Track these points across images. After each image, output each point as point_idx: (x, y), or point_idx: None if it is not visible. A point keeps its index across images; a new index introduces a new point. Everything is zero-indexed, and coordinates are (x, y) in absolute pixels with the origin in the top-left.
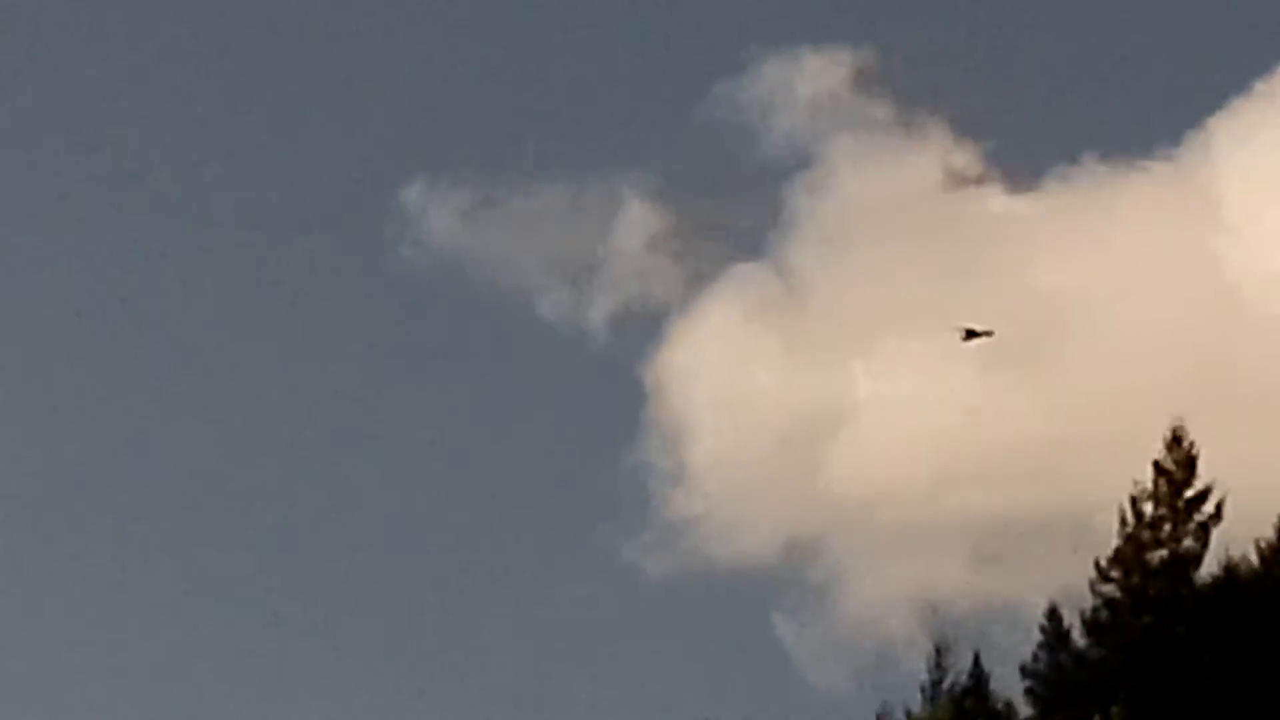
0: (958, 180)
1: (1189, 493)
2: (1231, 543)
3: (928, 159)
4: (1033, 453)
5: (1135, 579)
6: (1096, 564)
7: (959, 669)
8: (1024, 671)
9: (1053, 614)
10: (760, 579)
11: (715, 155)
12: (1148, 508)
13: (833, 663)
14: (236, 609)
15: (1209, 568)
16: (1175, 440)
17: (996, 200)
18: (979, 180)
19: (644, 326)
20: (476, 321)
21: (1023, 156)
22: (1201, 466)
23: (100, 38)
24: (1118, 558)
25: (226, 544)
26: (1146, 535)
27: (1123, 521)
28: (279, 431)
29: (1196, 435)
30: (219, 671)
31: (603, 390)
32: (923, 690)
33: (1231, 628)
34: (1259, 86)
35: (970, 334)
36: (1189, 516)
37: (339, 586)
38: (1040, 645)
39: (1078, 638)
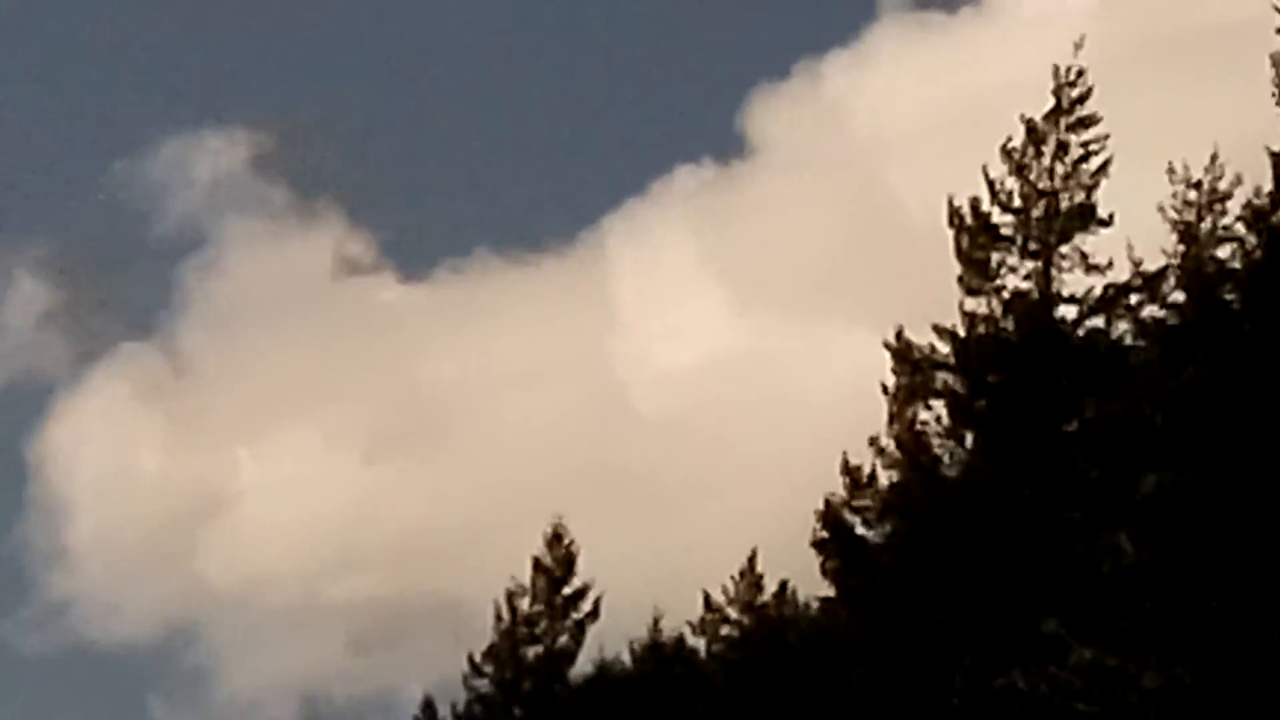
0: (350, 267)
1: (566, 590)
2: (608, 641)
3: (321, 245)
4: (416, 542)
5: (509, 674)
6: (470, 658)
7: None
8: None
9: (428, 706)
10: (138, 661)
11: (110, 232)
12: (524, 604)
13: None
14: None
15: (583, 665)
16: (556, 537)
17: (388, 289)
18: (371, 268)
19: (29, 402)
20: None
21: (416, 246)
22: (582, 563)
23: None
24: (492, 652)
25: None
26: (523, 631)
27: (499, 617)
28: None
29: (580, 531)
30: None
31: None
32: None
33: None
34: (654, 187)
35: None
36: (565, 614)
37: None
38: None
39: None
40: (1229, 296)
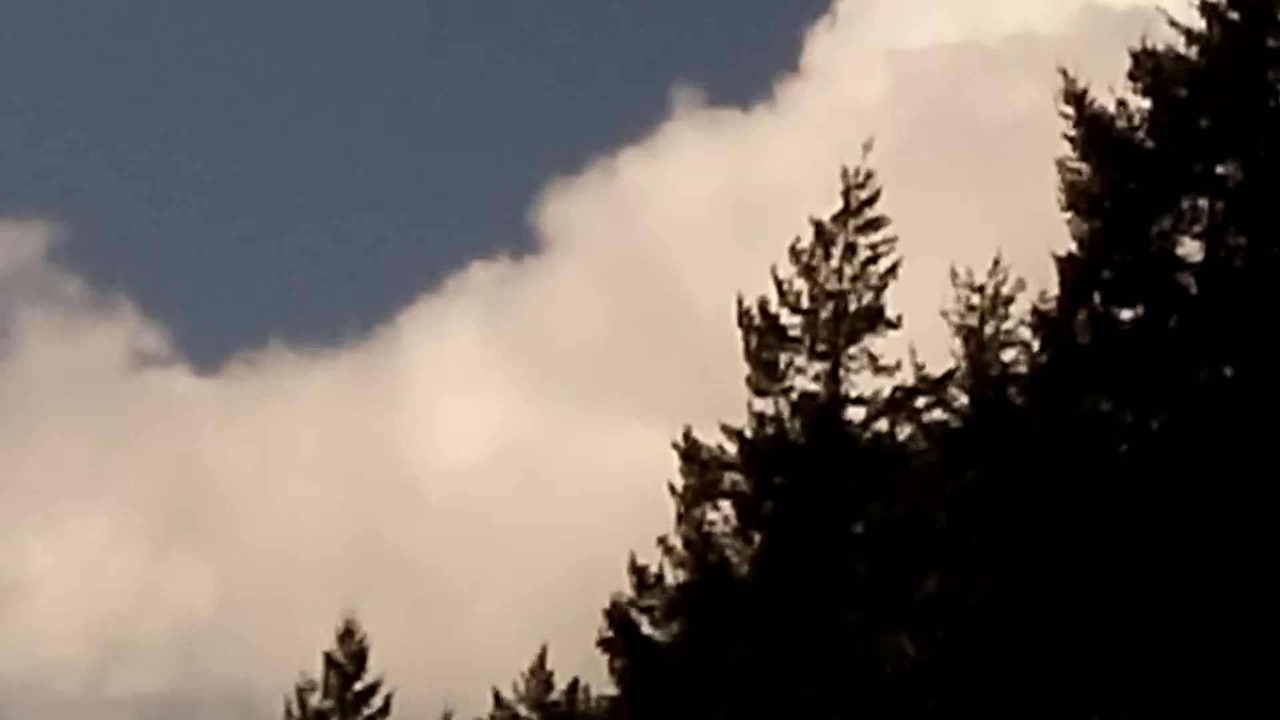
0: (143, 359)
1: (358, 686)
2: None
3: (115, 337)
4: (205, 632)
5: None
6: None
7: None
8: None
9: None
10: None
11: None
12: (315, 699)
13: None
14: None
15: None
16: (347, 632)
17: (181, 381)
18: (164, 361)
19: None
20: None
21: (209, 338)
22: (373, 659)
23: None
24: None
25: None
26: None
27: (289, 713)
28: None
29: (371, 624)
30: None
31: None
32: None
33: None
34: (450, 283)
35: None
36: (356, 710)
37: None
38: None
39: None
40: (1014, 399)
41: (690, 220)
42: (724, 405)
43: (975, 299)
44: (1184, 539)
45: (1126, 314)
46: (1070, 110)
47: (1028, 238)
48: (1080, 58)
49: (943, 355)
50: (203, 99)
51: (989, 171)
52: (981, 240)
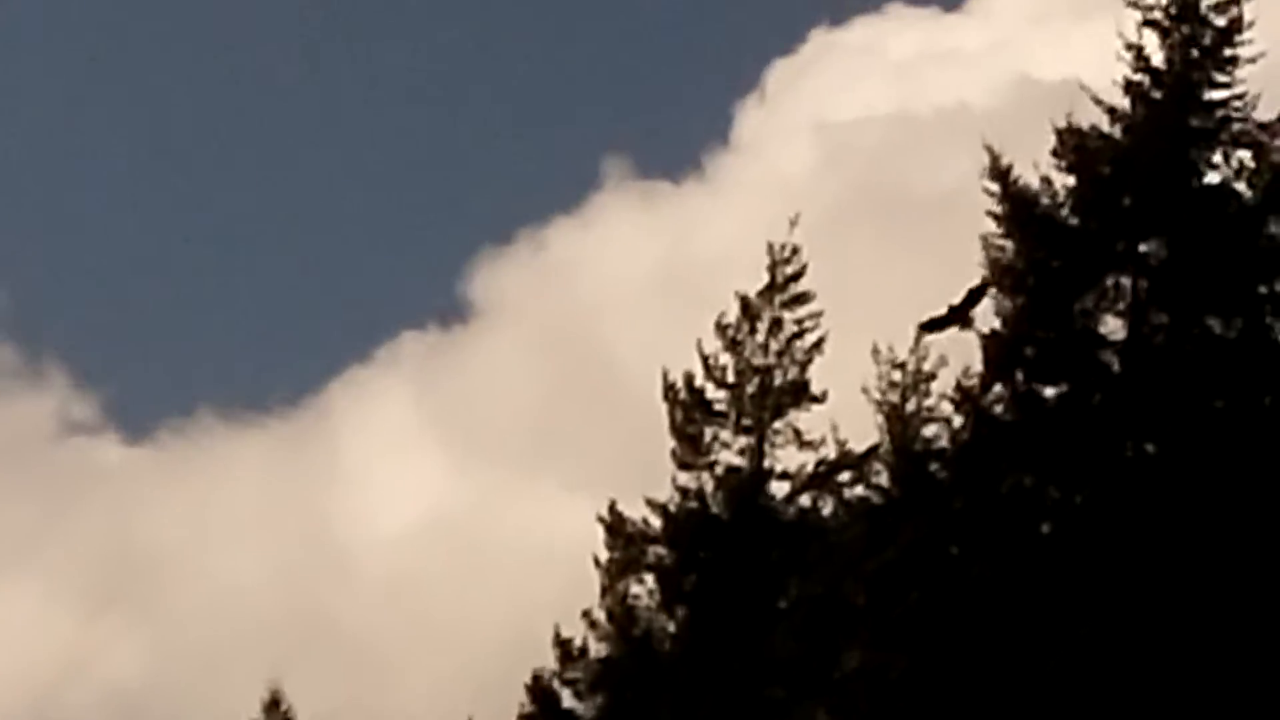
0: (73, 428)
1: None
2: None
3: (45, 406)
4: (133, 700)
5: None
6: None
7: None
8: None
9: None
10: None
11: None
12: None
13: None
14: None
15: None
16: (274, 703)
17: (111, 450)
18: (94, 429)
19: None
20: None
21: (139, 407)
22: None
23: None
24: None
25: None
26: None
27: None
28: None
29: (298, 693)
30: None
31: None
32: None
33: None
34: (380, 353)
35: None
36: None
37: None
38: None
39: None
40: (936, 475)
41: (621, 291)
42: (654, 476)
43: (897, 375)
44: (1105, 616)
45: (1049, 391)
46: (995, 186)
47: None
48: (1011, 130)
49: (868, 430)
50: (134, 169)
51: (918, 244)
52: (910, 312)
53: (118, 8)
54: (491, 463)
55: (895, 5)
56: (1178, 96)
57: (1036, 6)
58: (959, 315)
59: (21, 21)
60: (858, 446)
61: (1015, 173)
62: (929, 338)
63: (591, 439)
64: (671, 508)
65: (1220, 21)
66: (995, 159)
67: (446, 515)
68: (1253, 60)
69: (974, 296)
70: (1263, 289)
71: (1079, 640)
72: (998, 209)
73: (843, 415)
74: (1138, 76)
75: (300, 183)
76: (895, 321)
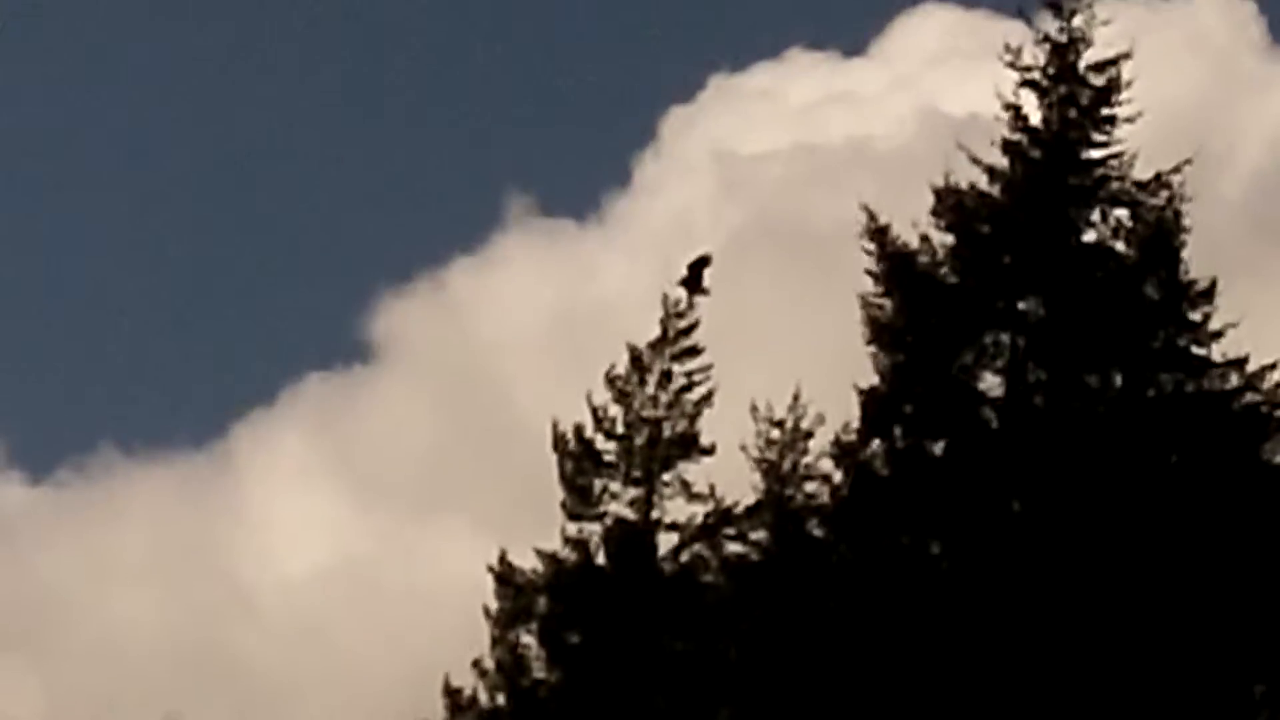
0: None
1: None
2: None
3: None
4: None
5: None
6: None
7: None
8: None
9: None
10: None
11: None
12: None
13: None
14: None
15: None
16: None
17: (12, 490)
18: None
19: None
20: None
21: (39, 445)
22: None
23: None
24: None
25: None
26: None
27: None
28: None
29: None
30: None
31: None
32: None
33: None
34: (282, 395)
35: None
36: None
37: None
38: None
39: None
40: (813, 532)
41: (520, 333)
42: (551, 522)
43: (775, 433)
44: (982, 674)
45: (928, 447)
46: (872, 245)
47: (838, 361)
48: (915, 165)
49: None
50: (33, 208)
51: (817, 282)
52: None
53: None
54: (391, 506)
55: (795, 50)
56: (1056, 155)
57: (939, 46)
58: (692, 287)
59: None
60: (747, 500)
61: (894, 231)
62: None
63: (490, 483)
64: (560, 557)
65: (1098, 81)
66: (872, 217)
67: (348, 558)
68: (1130, 120)
69: (697, 267)
70: (1140, 346)
71: (953, 698)
72: (875, 268)
73: (735, 467)
74: (1016, 136)
75: (203, 223)
76: (792, 361)
